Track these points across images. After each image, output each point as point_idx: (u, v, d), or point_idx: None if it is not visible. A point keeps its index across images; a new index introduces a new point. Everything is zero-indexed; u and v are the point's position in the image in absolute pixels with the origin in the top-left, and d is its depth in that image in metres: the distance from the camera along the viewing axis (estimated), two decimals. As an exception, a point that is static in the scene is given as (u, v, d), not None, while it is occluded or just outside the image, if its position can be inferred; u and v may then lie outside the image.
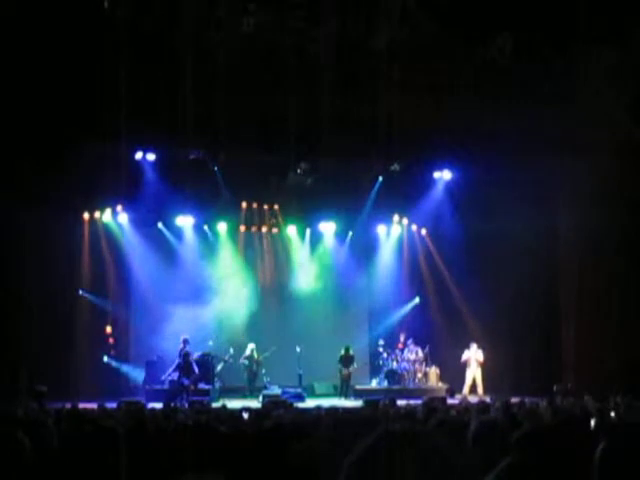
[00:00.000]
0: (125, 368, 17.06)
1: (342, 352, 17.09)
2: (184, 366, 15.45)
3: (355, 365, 17.09)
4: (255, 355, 16.94)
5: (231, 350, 17.17)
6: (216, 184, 16.92)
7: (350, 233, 19.08)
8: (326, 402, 12.46)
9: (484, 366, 16.82)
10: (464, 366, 16.94)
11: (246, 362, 16.90)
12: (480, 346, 16.89)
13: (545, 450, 3.20)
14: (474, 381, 16.83)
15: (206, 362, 16.46)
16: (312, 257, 19.14)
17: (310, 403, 13.45)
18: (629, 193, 15.02)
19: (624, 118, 14.00)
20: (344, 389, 16.93)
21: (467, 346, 16.98)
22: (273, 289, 18.76)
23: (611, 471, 2.36)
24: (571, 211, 16.72)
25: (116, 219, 17.51)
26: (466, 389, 16.75)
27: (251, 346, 17.07)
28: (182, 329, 16.29)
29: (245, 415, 7.99)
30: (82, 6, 12.99)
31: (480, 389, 16.58)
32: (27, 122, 13.74)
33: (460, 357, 16.93)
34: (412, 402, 11.82)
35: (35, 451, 2.83)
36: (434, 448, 1.28)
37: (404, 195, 18.18)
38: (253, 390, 16.59)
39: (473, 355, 16.84)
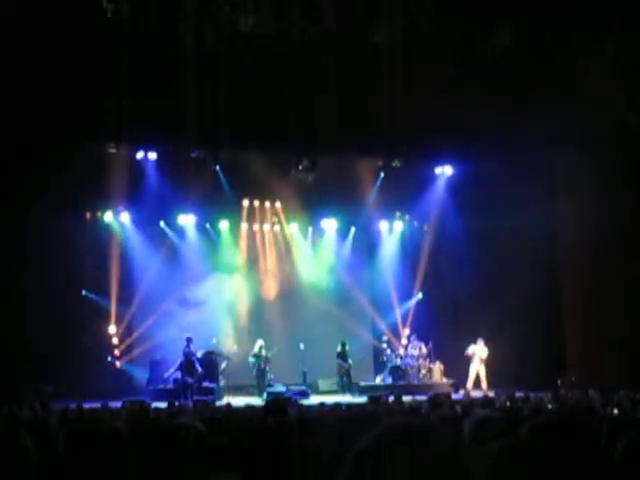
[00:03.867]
0: (129, 368, 17.07)
1: (339, 348, 17.06)
2: (187, 365, 15.45)
3: (350, 361, 17.04)
4: (264, 352, 16.67)
5: (235, 348, 17.16)
6: (218, 182, 16.90)
7: (352, 230, 19.09)
8: (330, 399, 12.50)
9: (487, 363, 16.80)
10: (468, 360, 16.93)
11: (254, 359, 16.58)
12: (486, 343, 16.84)
13: (551, 445, 3.19)
14: (478, 376, 16.82)
15: (210, 360, 16.43)
16: (314, 254, 19.15)
17: (314, 400, 13.47)
18: (631, 187, 14.99)
19: (626, 112, 13.97)
20: (346, 384, 16.90)
21: (470, 341, 16.94)
22: (276, 287, 18.77)
23: (635, 463, 2.35)
24: (572, 205, 16.68)
25: (118, 219, 17.52)
26: (469, 384, 16.73)
27: (259, 343, 16.68)
28: (185, 328, 16.31)
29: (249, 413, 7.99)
30: (82, 6, 12.98)
31: (484, 384, 16.56)
32: (28, 122, 13.74)
33: (463, 352, 16.90)
34: (417, 398, 11.86)
35: (39, 452, 2.83)
36: (434, 442, 1.28)
37: (406, 191, 18.20)
38: (260, 387, 16.31)
39: (478, 350, 16.80)
